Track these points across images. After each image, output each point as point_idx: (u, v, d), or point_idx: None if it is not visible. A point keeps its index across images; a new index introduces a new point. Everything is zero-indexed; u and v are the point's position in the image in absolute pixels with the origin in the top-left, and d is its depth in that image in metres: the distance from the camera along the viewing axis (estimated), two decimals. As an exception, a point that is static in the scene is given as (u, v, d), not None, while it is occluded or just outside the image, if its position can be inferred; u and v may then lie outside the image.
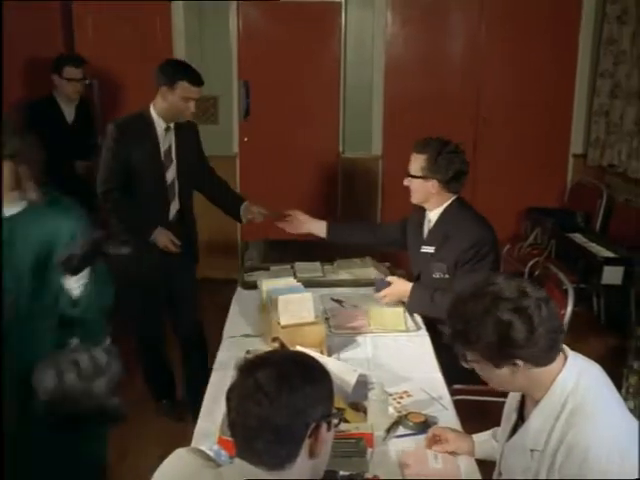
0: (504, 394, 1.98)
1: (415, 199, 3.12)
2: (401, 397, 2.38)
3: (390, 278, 3.13)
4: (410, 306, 3.05)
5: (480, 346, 1.67)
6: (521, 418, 1.84)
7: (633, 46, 4.88)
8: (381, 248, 3.56)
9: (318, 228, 3.44)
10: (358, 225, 3.73)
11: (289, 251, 4.34)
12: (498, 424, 2.02)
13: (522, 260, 4.89)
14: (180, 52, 5.40)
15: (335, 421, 1.48)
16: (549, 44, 5.43)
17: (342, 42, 5.47)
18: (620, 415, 1.68)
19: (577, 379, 1.69)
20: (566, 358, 1.73)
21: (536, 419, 1.73)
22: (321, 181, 5.68)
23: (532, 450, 1.72)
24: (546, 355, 1.68)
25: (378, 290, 3.12)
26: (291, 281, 2.91)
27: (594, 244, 4.69)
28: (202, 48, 5.42)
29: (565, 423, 1.65)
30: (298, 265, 3.53)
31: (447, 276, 3.04)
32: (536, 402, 1.73)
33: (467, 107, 5.54)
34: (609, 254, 4.52)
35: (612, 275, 4.41)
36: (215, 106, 5.54)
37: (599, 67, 5.34)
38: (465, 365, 1.77)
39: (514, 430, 1.85)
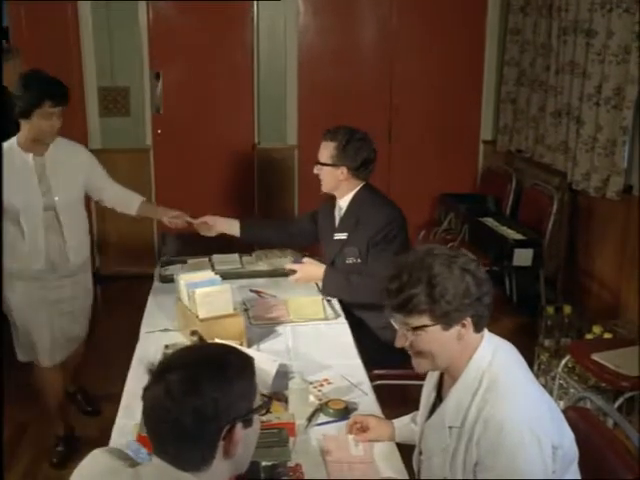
0: (423, 377, 2.02)
1: (325, 187, 3.16)
2: (321, 385, 2.40)
3: (305, 259, 3.16)
4: (325, 289, 3.09)
5: (443, 302, 1.67)
6: (439, 398, 1.89)
7: (536, 35, 5.04)
8: (295, 246, 3.56)
9: (231, 228, 3.40)
10: (271, 224, 3.70)
11: (207, 243, 4.31)
12: (417, 408, 2.06)
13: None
14: (88, 43, 5.26)
15: (261, 412, 1.47)
16: (458, 34, 5.56)
17: (254, 32, 5.44)
18: (532, 390, 1.73)
19: (492, 356, 1.74)
20: (482, 337, 1.78)
21: (454, 397, 1.77)
22: (237, 172, 5.65)
23: (450, 427, 1.76)
24: (486, 317, 1.74)
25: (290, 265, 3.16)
26: (209, 274, 2.88)
27: (505, 227, 4.84)
28: (110, 38, 5.29)
29: (481, 399, 1.70)
30: (216, 257, 3.51)
31: (359, 260, 3.09)
32: (454, 380, 1.78)
33: (380, 95, 5.61)
34: (519, 237, 4.67)
35: (522, 257, 4.57)
36: (126, 97, 5.42)
37: (505, 56, 5.50)
38: (401, 343, 1.77)
39: (433, 410, 1.89)
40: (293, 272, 3.14)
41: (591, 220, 4.60)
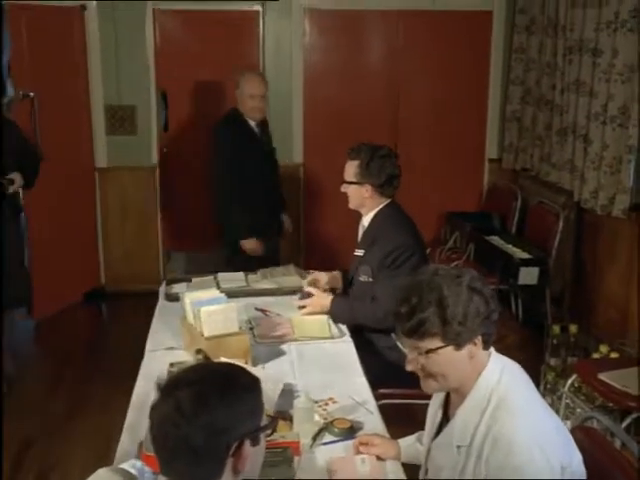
0: (428, 397, 2.01)
1: (352, 204, 3.18)
2: (326, 404, 2.39)
3: (312, 290, 3.16)
4: (334, 319, 3.08)
5: (455, 323, 1.67)
6: (445, 417, 1.88)
7: (541, 54, 5.06)
8: None
9: (337, 282, 3.38)
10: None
11: (212, 262, 4.32)
12: (423, 427, 2.05)
13: (443, 264, 4.98)
14: (95, 62, 5.30)
15: (268, 431, 1.48)
16: (463, 52, 5.58)
17: (261, 51, 5.48)
18: (540, 409, 1.73)
19: (500, 375, 1.74)
20: (490, 354, 1.78)
21: (462, 415, 1.76)
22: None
23: (459, 446, 1.75)
24: (494, 333, 1.75)
25: (300, 299, 3.18)
26: (214, 292, 2.88)
27: (510, 246, 4.83)
28: (118, 58, 5.33)
29: (490, 417, 1.69)
30: (221, 275, 3.51)
31: (371, 279, 3.09)
32: (462, 399, 1.77)
33: (385, 114, 5.63)
34: (525, 255, 4.66)
35: (528, 275, 4.55)
36: (133, 116, 5.45)
37: (510, 74, 5.52)
38: (412, 368, 1.77)
39: (439, 429, 1.88)
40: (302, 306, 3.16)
41: (597, 238, 4.59)
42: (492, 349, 1.79)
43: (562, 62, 4.71)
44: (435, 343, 1.71)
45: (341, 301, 3.12)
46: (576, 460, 1.70)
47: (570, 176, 4.66)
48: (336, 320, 3.07)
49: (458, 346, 1.71)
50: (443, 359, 1.72)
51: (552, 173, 4.92)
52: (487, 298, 1.71)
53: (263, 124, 4.32)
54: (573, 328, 4.09)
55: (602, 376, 3.32)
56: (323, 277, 3.34)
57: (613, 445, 2.30)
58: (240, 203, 4.08)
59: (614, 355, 3.80)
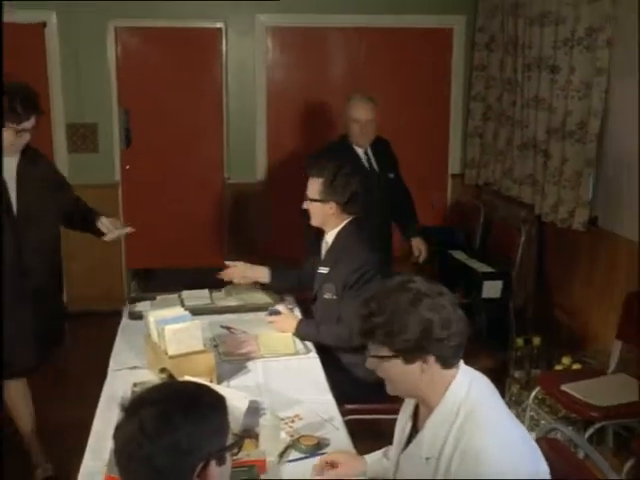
0: (395, 411, 2.02)
1: (315, 222, 3.18)
2: (292, 421, 2.38)
3: (282, 309, 3.17)
4: (299, 339, 3.07)
5: (400, 339, 1.69)
6: (415, 429, 1.88)
7: (501, 71, 5.14)
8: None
9: (262, 275, 3.42)
10: (294, 268, 3.61)
11: (177, 279, 4.29)
12: (390, 442, 2.05)
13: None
14: (56, 79, 5.25)
15: (234, 451, 1.46)
16: (425, 70, 5.64)
17: (224, 68, 5.48)
18: (508, 422, 1.74)
19: (468, 388, 1.75)
20: (458, 367, 1.78)
21: (430, 427, 1.76)
22: (207, 208, 5.64)
23: (427, 458, 1.75)
24: (453, 356, 1.74)
25: (269, 315, 3.17)
26: (178, 310, 2.85)
27: (474, 260, 4.88)
28: (79, 75, 5.29)
29: (458, 430, 1.69)
30: (185, 293, 3.48)
31: (336, 297, 3.09)
32: (430, 411, 1.77)
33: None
34: (488, 269, 4.71)
35: (491, 289, 4.60)
36: (95, 134, 5.41)
37: (472, 91, 5.60)
38: (369, 366, 1.79)
39: (409, 441, 1.88)
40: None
41: (558, 251, 4.66)
42: (461, 363, 1.80)
43: (522, 79, 4.80)
44: (384, 351, 1.73)
45: (308, 323, 3.12)
46: (542, 471, 1.71)
47: (531, 190, 4.73)
48: (302, 340, 3.07)
49: (406, 361, 1.72)
50: (392, 368, 1.75)
51: (513, 188, 4.99)
52: (448, 321, 1.70)
53: (378, 150, 4.15)
54: (536, 340, 4.14)
55: (565, 387, 3.36)
56: (245, 269, 3.39)
57: (577, 456, 2.33)
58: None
59: (576, 366, 3.86)
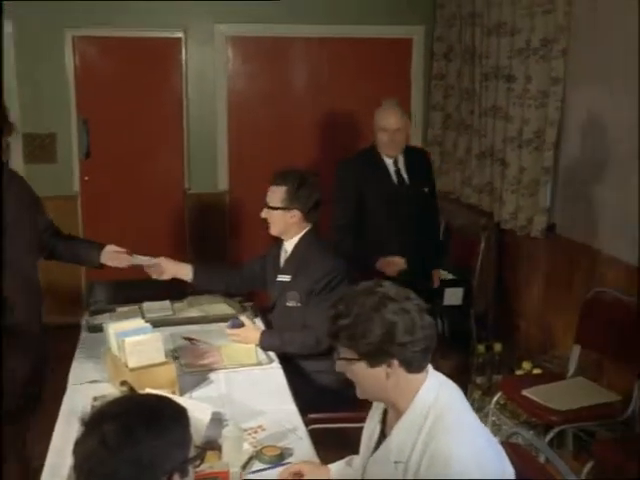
0: (359, 419, 2.02)
1: (274, 230, 3.16)
2: (256, 431, 2.37)
3: (244, 320, 3.10)
4: (263, 350, 3.05)
5: (363, 342, 1.70)
6: (383, 433, 1.88)
7: (459, 81, 5.21)
8: (245, 290, 3.53)
9: (184, 272, 3.32)
10: (223, 268, 3.61)
11: (137, 291, 4.23)
12: (355, 450, 2.05)
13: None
14: (13, 89, 5.17)
15: (196, 462, 1.45)
16: (385, 79, 5.67)
17: (184, 78, 5.46)
18: (476, 426, 1.75)
19: (437, 393, 1.76)
20: (427, 372, 1.80)
21: (399, 432, 1.77)
22: (168, 219, 5.60)
23: (396, 462, 1.76)
24: (419, 361, 1.75)
25: (230, 327, 3.10)
26: (139, 322, 2.82)
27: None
28: (36, 84, 5.21)
29: (427, 435, 1.70)
30: (146, 305, 3.44)
31: (300, 305, 3.09)
32: (399, 415, 1.78)
33: (311, 140, 5.68)
34: (449, 276, 4.75)
35: (452, 296, 4.65)
36: (53, 144, 5.33)
37: (431, 100, 5.66)
38: (338, 368, 1.80)
39: (377, 446, 1.88)
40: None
41: (517, 258, 4.72)
42: (430, 368, 1.81)
43: (479, 88, 4.87)
44: (350, 354, 1.74)
45: (271, 334, 3.09)
46: (509, 473, 1.74)
47: (490, 198, 4.79)
48: (266, 351, 3.05)
49: (371, 364, 1.73)
50: (358, 371, 1.76)
51: (473, 196, 5.05)
52: (413, 327, 1.71)
53: (412, 161, 3.89)
54: (497, 346, 4.18)
55: (526, 392, 3.40)
56: (168, 265, 3.28)
57: (538, 460, 2.36)
58: (347, 240, 3.73)
59: (537, 371, 3.91)
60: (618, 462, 2.95)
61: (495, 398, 3.64)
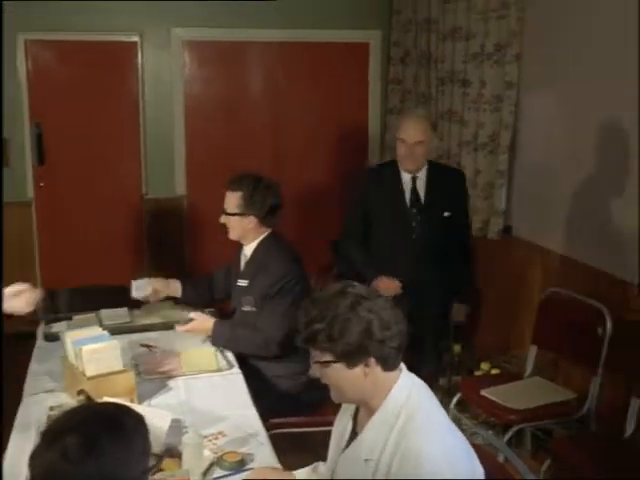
0: (321, 424, 2.02)
1: (233, 235, 3.16)
2: (216, 438, 2.35)
3: (193, 314, 3.11)
4: (214, 341, 3.07)
5: (342, 342, 1.70)
6: (354, 432, 1.89)
7: (415, 85, 5.26)
8: (220, 301, 3.51)
9: (174, 289, 3.34)
10: (203, 280, 3.53)
11: (94, 298, 4.18)
12: (317, 454, 2.05)
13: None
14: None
15: (154, 470, 1.44)
16: (343, 83, 5.72)
17: (140, 82, 5.40)
18: (447, 425, 1.77)
19: (409, 392, 1.78)
20: (400, 371, 1.81)
21: (371, 430, 1.78)
22: (125, 224, 5.53)
23: (366, 460, 1.77)
24: (394, 358, 1.77)
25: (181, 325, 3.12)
26: (96, 330, 2.79)
27: (394, 270, 4.94)
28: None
29: (398, 433, 1.72)
30: (104, 312, 3.40)
31: (255, 309, 3.10)
32: (371, 413, 1.79)
33: (267, 144, 5.68)
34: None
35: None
36: (5, 149, 5.23)
37: (388, 104, 5.70)
38: (313, 373, 1.80)
39: (348, 444, 1.89)
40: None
41: (475, 260, 4.77)
42: (403, 366, 1.83)
43: (435, 92, 4.92)
44: (327, 357, 1.75)
45: (223, 324, 3.10)
46: (479, 472, 1.76)
47: (447, 201, 4.84)
48: (216, 343, 3.06)
49: (349, 365, 1.74)
50: (335, 374, 1.76)
51: (431, 199, 5.09)
52: (387, 323, 1.73)
53: (437, 180, 3.58)
54: (456, 348, 4.23)
55: (484, 392, 3.45)
56: (160, 285, 3.28)
57: (497, 459, 2.39)
58: (349, 250, 3.69)
59: (495, 372, 3.96)
60: (575, 460, 3.00)
61: (455, 399, 3.68)
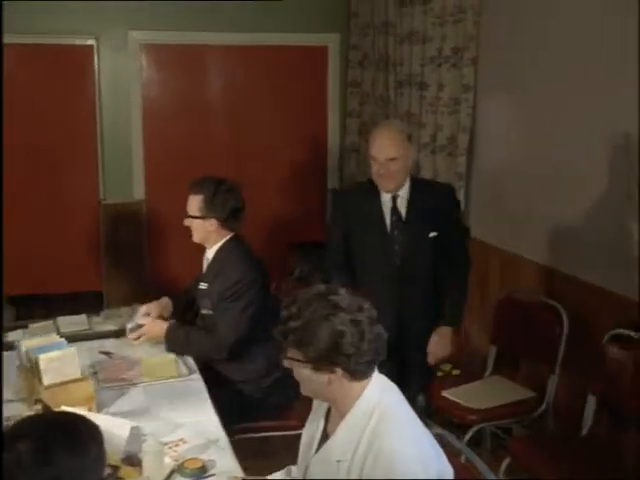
0: (283, 428, 2.02)
1: (196, 238, 3.17)
2: (177, 445, 2.34)
3: (143, 320, 3.12)
4: (168, 347, 3.06)
5: (310, 348, 1.71)
6: (325, 434, 1.90)
7: (374, 88, 5.29)
8: None
9: (168, 308, 3.33)
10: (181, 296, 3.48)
11: (52, 305, 4.13)
12: (280, 458, 2.05)
13: (289, 294, 5.03)
14: None
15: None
16: (302, 86, 5.72)
17: (97, 86, 5.33)
18: (417, 425, 1.79)
19: (380, 394, 1.79)
20: (369, 380, 1.81)
21: (343, 431, 1.79)
22: (81, 231, 5.45)
23: (339, 461, 1.77)
24: (363, 372, 1.77)
25: (132, 332, 3.11)
26: (53, 337, 2.74)
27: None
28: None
29: (371, 433, 1.73)
30: (61, 320, 3.35)
31: (212, 312, 3.11)
32: (343, 415, 1.80)
33: (227, 147, 5.65)
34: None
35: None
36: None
37: (347, 107, 5.72)
38: (285, 363, 1.81)
39: (320, 445, 1.89)
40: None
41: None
42: (376, 371, 1.83)
43: (394, 95, 4.95)
44: (297, 355, 1.76)
45: (176, 330, 3.10)
46: (448, 471, 1.78)
47: (407, 203, 4.87)
48: (170, 348, 3.04)
49: (315, 369, 1.74)
50: (302, 373, 1.78)
51: (390, 201, 5.12)
52: (359, 338, 1.72)
53: (421, 198, 3.16)
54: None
55: (445, 393, 3.48)
56: (153, 308, 3.27)
57: (459, 459, 2.41)
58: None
59: (456, 372, 4.00)
60: (533, 458, 3.05)
61: (417, 400, 3.70)
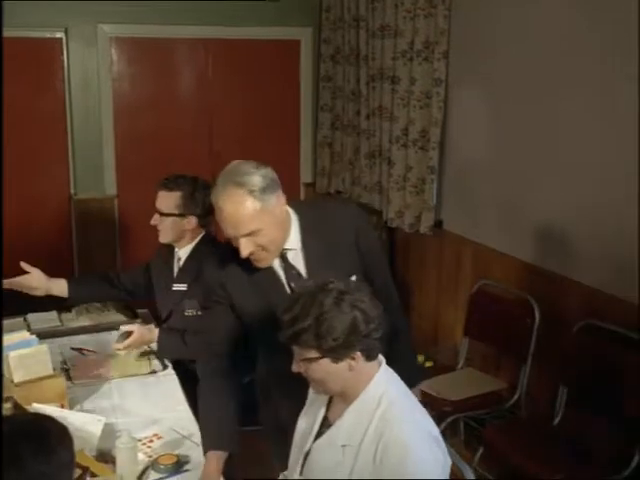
0: (259, 422, 2.01)
1: (166, 238, 3.06)
2: (151, 441, 2.33)
3: (131, 327, 2.89)
4: (162, 353, 2.94)
5: (329, 339, 1.71)
6: (326, 421, 1.90)
7: (346, 82, 5.29)
8: (129, 300, 3.41)
9: (58, 288, 3.15)
10: (102, 279, 3.33)
11: (22, 302, 4.07)
12: (258, 454, 2.04)
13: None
14: None
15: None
16: (274, 81, 5.69)
17: (66, 80, 5.27)
18: (423, 414, 1.82)
19: (387, 383, 1.81)
20: (380, 362, 1.84)
21: (350, 416, 1.80)
22: (52, 227, 5.38)
23: (344, 445, 1.78)
24: (377, 348, 1.79)
25: (119, 342, 2.88)
26: (24, 334, 2.71)
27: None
28: None
29: (380, 420, 1.74)
30: (32, 316, 3.33)
31: (199, 313, 2.99)
32: (347, 402, 1.81)
33: (200, 142, 5.62)
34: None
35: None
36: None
37: (319, 101, 5.72)
38: (295, 368, 1.79)
39: (321, 431, 1.89)
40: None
41: (408, 255, 4.85)
42: (382, 359, 1.85)
43: (366, 89, 4.95)
44: (312, 354, 1.75)
45: (169, 334, 2.92)
46: (448, 462, 1.81)
47: (379, 197, 4.89)
48: (164, 354, 2.95)
49: (335, 360, 1.75)
50: (321, 369, 1.77)
51: (363, 195, 5.14)
52: (370, 317, 1.75)
53: (311, 238, 2.22)
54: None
55: (419, 385, 3.49)
56: (40, 281, 3.10)
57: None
58: None
59: (429, 364, 4.03)
60: (505, 447, 3.08)
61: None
